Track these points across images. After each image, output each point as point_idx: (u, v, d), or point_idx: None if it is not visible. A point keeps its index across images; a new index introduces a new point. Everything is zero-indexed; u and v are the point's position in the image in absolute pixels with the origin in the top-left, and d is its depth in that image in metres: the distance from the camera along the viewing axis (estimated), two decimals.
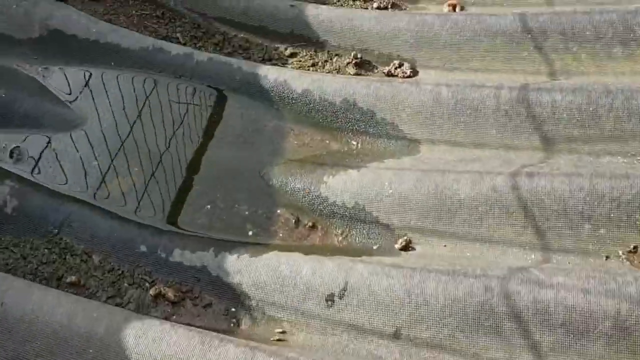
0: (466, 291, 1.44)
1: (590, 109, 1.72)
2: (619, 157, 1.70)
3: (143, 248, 1.70)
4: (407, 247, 1.69)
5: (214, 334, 1.45)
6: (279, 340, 1.52)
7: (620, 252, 1.53)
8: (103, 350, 1.38)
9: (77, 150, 1.92)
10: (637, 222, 1.52)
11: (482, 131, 1.84)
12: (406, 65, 2.12)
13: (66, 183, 1.86)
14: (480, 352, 1.41)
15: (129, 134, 1.97)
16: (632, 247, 1.52)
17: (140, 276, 1.67)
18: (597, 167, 1.63)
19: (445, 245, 1.67)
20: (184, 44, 2.22)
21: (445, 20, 2.08)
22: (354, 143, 1.98)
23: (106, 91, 2.07)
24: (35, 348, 1.40)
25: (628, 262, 1.51)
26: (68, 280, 1.65)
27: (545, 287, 1.40)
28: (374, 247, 1.72)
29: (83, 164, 1.91)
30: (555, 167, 1.64)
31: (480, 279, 1.45)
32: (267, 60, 2.23)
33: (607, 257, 1.53)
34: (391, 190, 1.74)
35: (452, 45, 2.07)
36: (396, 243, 1.70)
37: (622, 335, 1.34)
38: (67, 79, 2.08)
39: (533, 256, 1.57)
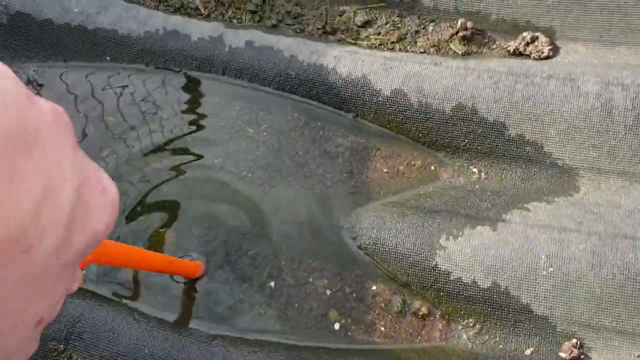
0: None
1: None
2: None
3: None
4: (578, 357, 1.17)
5: None
6: None
7: None
8: None
9: None
10: None
11: None
12: (542, 39, 1.46)
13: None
14: None
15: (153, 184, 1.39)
16: None
17: None
18: None
19: (639, 356, 1.15)
20: (207, 15, 1.56)
21: None
22: (474, 171, 1.39)
23: (102, 105, 1.46)
24: None
25: None
26: None
27: None
28: (527, 353, 1.20)
29: None
30: None
31: None
32: (330, 33, 1.58)
33: None
34: (552, 269, 1.18)
35: (614, 8, 1.40)
36: (561, 350, 1.18)
37: None
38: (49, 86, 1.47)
39: None
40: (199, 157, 1.42)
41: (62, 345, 1.23)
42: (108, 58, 1.49)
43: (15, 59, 1.51)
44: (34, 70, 1.50)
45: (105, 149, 1.42)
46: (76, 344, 1.23)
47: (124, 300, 1.30)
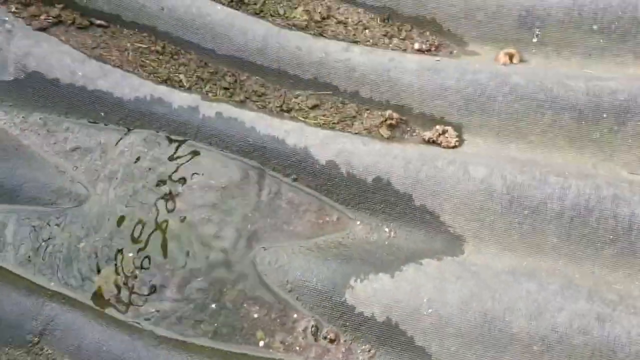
0: None
1: None
2: None
3: None
4: None
5: None
6: None
7: None
8: None
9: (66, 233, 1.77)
10: None
11: (541, 238, 1.69)
12: (451, 132, 1.95)
13: (52, 276, 1.72)
14: None
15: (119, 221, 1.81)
16: None
17: None
18: None
19: None
20: (188, 88, 2.03)
21: (503, 83, 1.89)
22: (386, 230, 1.83)
23: (101, 153, 1.90)
24: None
25: None
26: None
27: None
28: None
29: (73, 251, 1.76)
30: (632, 307, 1.50)
31: None
32: (286, 111, 2.04)
33: None
34: (431, 310, 1.60)
35: (508, 114, 1.89)
36: None
37: None
38: (51, 134, 1.91)
39: None
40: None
41: (37, 339, 1.60)
42: (102, 114, 1.94)
43: (26, 108, 1.95)
44: (39, 119, 1.94)
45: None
46: (48, 338, 1.60)
47: (95, 307, 1.68)
